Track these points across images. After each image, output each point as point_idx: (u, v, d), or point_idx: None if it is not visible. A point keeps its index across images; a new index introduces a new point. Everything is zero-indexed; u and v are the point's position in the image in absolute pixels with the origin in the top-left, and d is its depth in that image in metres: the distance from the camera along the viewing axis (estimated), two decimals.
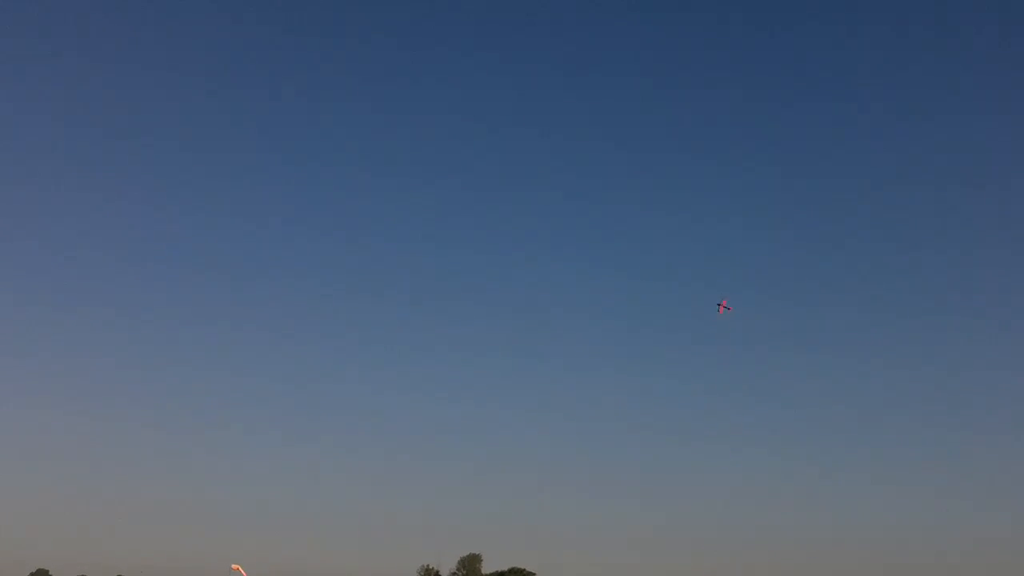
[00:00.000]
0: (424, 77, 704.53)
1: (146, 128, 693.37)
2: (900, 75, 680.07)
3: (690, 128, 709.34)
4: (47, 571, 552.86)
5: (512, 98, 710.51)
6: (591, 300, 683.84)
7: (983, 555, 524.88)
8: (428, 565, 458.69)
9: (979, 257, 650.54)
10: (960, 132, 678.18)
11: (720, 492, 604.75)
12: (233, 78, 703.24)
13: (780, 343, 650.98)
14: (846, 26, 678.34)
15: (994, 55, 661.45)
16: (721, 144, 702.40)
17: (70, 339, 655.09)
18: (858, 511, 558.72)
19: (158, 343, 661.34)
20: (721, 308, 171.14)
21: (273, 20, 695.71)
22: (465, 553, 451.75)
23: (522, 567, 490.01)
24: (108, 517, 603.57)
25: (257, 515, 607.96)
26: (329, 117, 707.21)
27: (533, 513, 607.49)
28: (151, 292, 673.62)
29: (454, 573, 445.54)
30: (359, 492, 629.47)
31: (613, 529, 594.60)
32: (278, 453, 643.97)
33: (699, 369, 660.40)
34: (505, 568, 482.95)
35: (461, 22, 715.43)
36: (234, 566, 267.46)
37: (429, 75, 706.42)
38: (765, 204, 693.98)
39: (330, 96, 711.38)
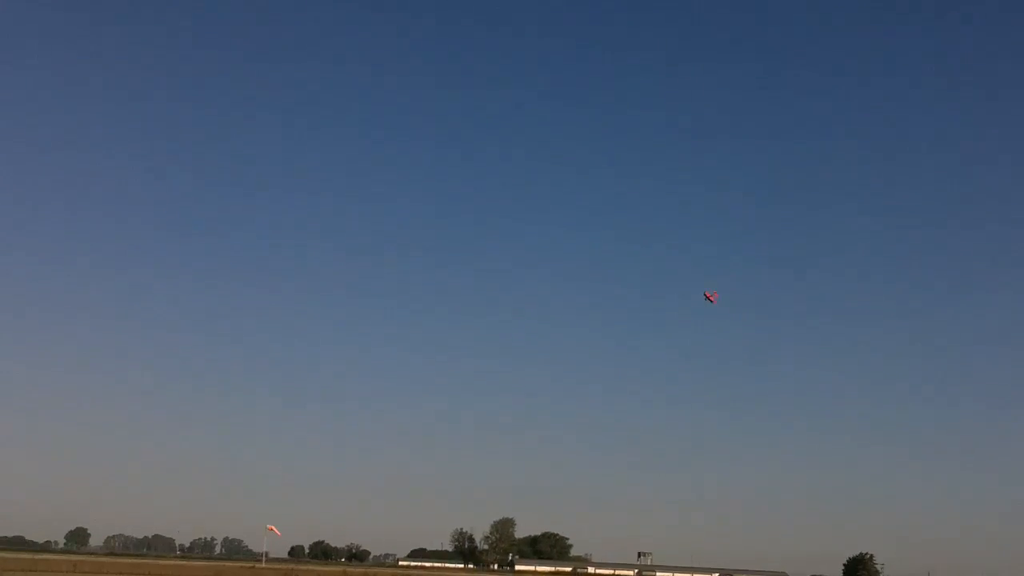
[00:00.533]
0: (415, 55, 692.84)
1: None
2: (891, 68, 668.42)
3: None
4: (85, 529, 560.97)
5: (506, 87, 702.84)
6: (613, 274, 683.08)
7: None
8: (462, 529, 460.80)
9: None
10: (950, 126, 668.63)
11: (748, 460, 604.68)
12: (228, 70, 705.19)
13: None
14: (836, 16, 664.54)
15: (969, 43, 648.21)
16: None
17: (113, 303, 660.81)
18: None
19: (199, 308, 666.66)
20: (711, 298, 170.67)
21: None
22: (498, 518, 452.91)
23: (554, 531, 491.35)
24: (144, 478, 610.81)
25: (292, 478, 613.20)
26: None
27: (565, 479, 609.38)
28: (193, 259, 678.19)
29: (487, 537, 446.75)
30: (394, 457, 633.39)
31: (642, 495, 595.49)
32: (314, 419, 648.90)
33: (721, 340, 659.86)
34: (538, 533, 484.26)
35: None
36: (269, 526, 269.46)
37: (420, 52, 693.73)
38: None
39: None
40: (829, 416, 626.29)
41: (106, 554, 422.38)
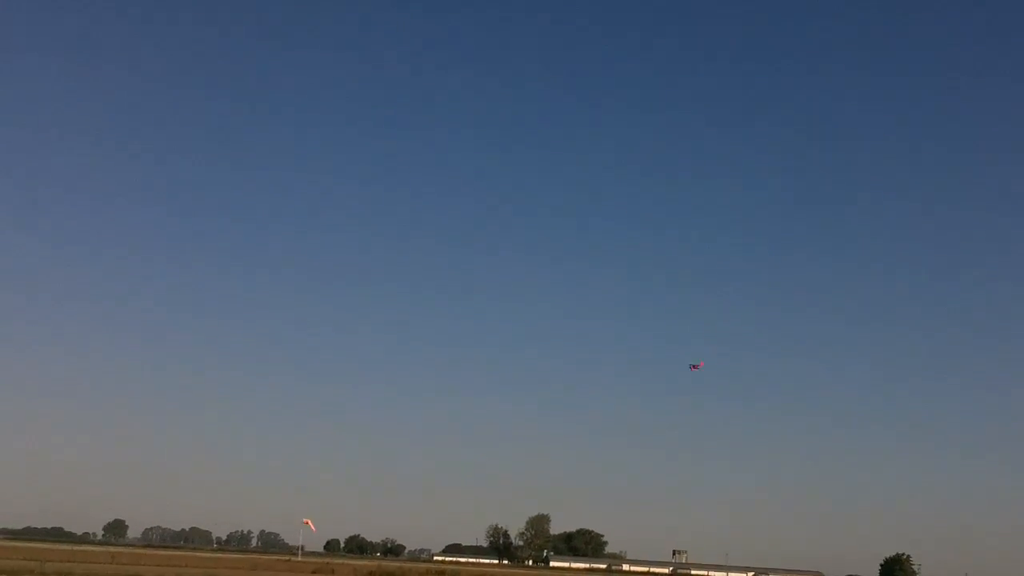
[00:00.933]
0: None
1: None
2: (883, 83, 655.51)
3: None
4: (123, 521, 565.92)
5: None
6: (646, 265, 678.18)
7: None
8: (497, 525, 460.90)
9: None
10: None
11: (784, 458, 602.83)
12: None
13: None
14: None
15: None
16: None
17: (146, 292, 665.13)
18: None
19: (227, 295, 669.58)
20: (696, 367, 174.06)
21: None
22: (533, 514, 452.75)
23: (589, 528, 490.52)
24: (181, 472, 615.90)
25: (326, 472, 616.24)
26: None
27: (600, 477, 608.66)
28: (228, 245, 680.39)
29: (522, 533, 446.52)
30: (429, 453, 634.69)
31: (678, 493, 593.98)
32: (347, 413, 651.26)
33: (755, 335, 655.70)
34: (573, 529, 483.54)
35: None
36: (305, 520, 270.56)
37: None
38: None
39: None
40: (866, 414, 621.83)
41: (144, 546, 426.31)
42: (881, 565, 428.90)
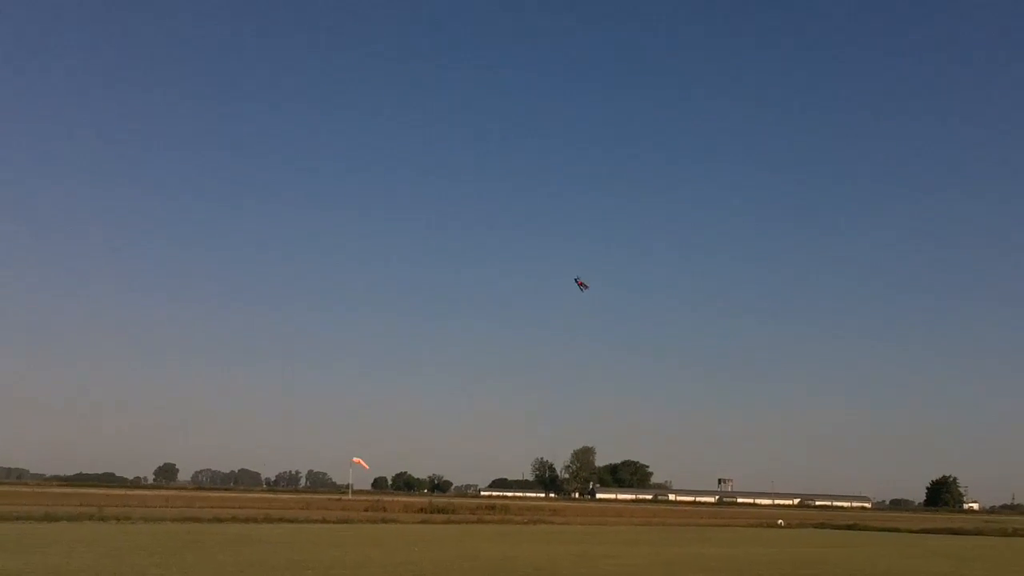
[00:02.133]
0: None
1: None
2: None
3: None
4: (174, 465, 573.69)
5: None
6: (692, 193, 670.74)
7: None
8: (543, 458, 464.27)
9: None
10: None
11: (829, 385, 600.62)
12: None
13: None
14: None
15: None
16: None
17: (192, 235, 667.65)
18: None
19: (275, 234, 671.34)
20: (581, 284, 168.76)
21: None
22: (578, 447, 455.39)
23: (634, 459, 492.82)
24: (230, 415, 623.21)
25: (376, 411, 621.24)
26: None
27: (645, 407, 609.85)
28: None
29: (568, 466, 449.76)
30: (475, 388, 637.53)
31: (723, 422, 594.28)
32: (396, 351, 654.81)
33: (806, 260, 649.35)
34: (618, 461, 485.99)
35: None
36: (356, 459, 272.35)
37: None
38: None
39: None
40: (911, 338, 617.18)
41: (195, 488, 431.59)
42: (928, 488, 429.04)
